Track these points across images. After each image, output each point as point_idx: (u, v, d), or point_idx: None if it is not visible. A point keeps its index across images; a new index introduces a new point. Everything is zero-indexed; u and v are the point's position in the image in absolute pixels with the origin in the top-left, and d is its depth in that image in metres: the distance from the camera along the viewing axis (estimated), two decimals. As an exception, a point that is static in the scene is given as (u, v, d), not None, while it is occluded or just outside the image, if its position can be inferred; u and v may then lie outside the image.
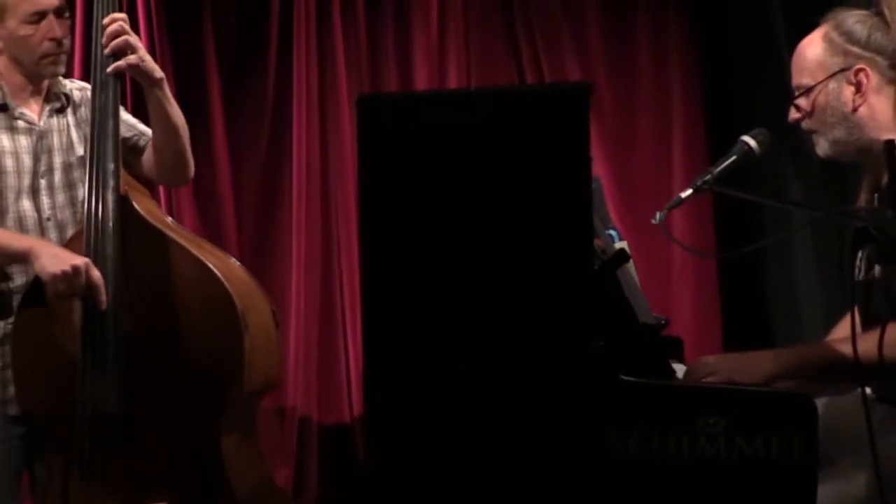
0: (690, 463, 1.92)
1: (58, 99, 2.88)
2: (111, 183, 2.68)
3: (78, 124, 2.88)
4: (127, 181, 2.75)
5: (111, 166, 2.68)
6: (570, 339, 1.93)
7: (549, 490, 1.94)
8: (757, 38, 3.93)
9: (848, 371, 2.12)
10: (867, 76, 2.27)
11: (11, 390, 2.78)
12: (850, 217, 2.31)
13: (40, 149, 2.82)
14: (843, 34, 2.28)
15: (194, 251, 2.70)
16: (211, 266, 2.68)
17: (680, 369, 2.38)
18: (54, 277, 2.60)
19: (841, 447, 2.20)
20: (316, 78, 3.90)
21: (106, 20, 2.72)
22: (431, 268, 1.97)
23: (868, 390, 2.16)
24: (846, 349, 2.13)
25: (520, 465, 1.95)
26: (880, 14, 2.29)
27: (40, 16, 2.78)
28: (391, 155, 1.99)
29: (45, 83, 2.87)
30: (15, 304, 2.77)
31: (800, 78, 2.33)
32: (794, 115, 2.36)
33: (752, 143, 2.37)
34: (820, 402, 2.13)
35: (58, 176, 2.83)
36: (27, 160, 2.81)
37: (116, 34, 2.70)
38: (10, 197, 2.78)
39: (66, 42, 2.83)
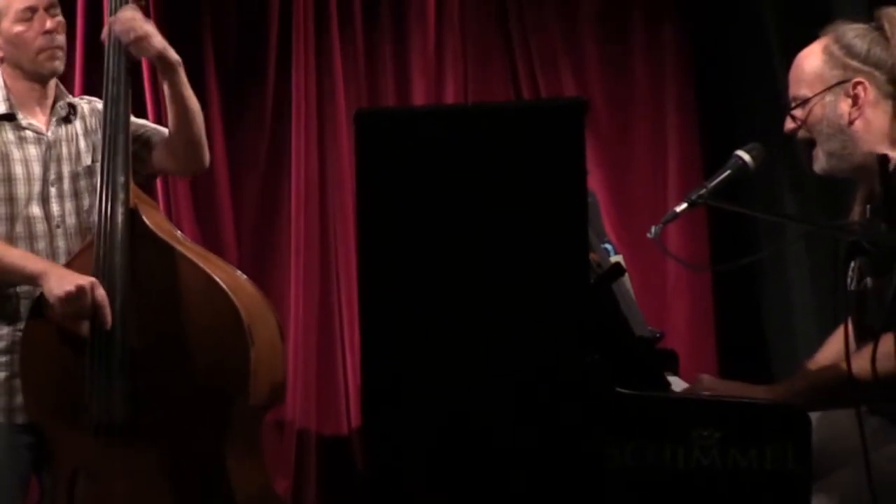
0: (686, 474, 1.94)
1: (63, 108, 2.90)
2: (121, 196, 2.71)
3: (87, 133, 2.91)
4: (137, 194, 2.78)
5: (121, 179, 2.72)
6: (566, 352, 1.95)
7: (547, 501, 1.95)
8: (751, 54, 3.94)
9: (841, 396, 2.13)
10: (865, 90, 2.28)
11: (19, 399, 2.79)
12: (843, 230, 2.32)
13: (49, 157, 2.85)
14: (842, 47, 2.30)
15: (202, 264, 2.72)
16: (218, 279, 2.70)
17: (675, 382, 2.40)
18: (60, 300, 2.64)
19: (834, 459, 2.21)
20: (314, 92, 3.91)
21: (117, 14, 2.76)
22: (429, 280, 1.98)
23: (860, 402, 2.17)
24: (836, 372, 2.15)
25: (517, 477, 1.96)
26: (880, 29, 2.30)
27: (32, 11, 2.82)
28: (389, 169, 2.00)
29: (50, 90, 2.89)
30: (22, 310, 2.79)
31: (797, 89, 2.35)
32: (789, 125, 2.37)
33: (747, 157, 2.38)
34: (814, 415, 2.14)
35: (67, 184, 2.86)
36: (37, 168, 2.83)
37: (129, 29, 2.74)
38: (21, 204, 2.81)
39: (61, 37, 2.86)
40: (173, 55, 2.79)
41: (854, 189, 2.44)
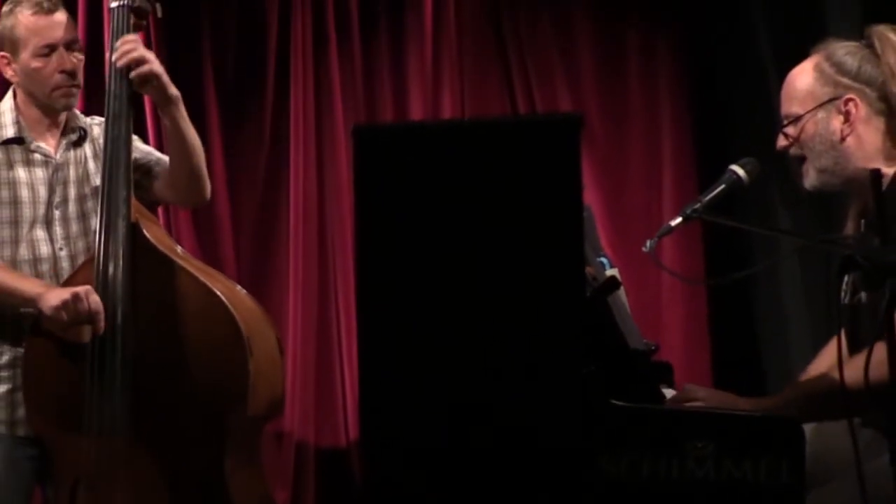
0: (680, 486, 1.95)
1: (74, 132, 2.92)
2: (122, 210, 2.72)
3: (96, 155, 2.91)
4: (137, 209, 2.79)
5: (123, 194, 2.73)
6: (562, 365, 1.95)
7: (543, 513, 1.96)
8: (745, 69, 3.97)
9: (829, 406, 2.14)
10: (856, 106, 2.29)
11: (21, 412, 2.81)
12: (837, 245, 2.35)
13: (56, 180, 2.86)
14: (833, 65, 2.31)
15: (202, 278, 2.74)
16: (218, 293, 2.71)
17: (670, 394, 2.41)
18: (56, 308, 2.66)
19: (828, 470, 2.22)
20: (313, 107, 3.93)
21: (119, 42, 2.77)
22: (426, 294, 1.99)
23: (854, 414, 2.19)
24: (826, 382, 2.16)
25: (513, 489, 1.97)
26: (871, 46, 2.32)
27: (50, 49, 2.82)
28: (386, 183, 2.01)
29: (62, 117, 2.91)
30: (24, 326, 2.80)
31: (789, 107, 2.36)
32: (781, 142, 2.38)
33: (741, 172, 2.39)
34: (807, 427, 2.15)
35: (72, 207, 2.88)
36: (42, 191, 2.85)
37: (130, 50, 2.75)
38: (25, 227, 2.82)
39: (79, 74, 2.87)
40: (173, 90, 2.79)
41: (847, 203, 2.45)
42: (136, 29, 2.86)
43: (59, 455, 2.78)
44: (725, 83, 4.05)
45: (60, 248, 2.85)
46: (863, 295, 2.28)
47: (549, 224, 1.96)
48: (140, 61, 2.75)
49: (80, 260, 2.84)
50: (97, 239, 2.73)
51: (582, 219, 2.01)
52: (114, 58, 2.77)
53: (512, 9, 4.03)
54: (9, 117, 2.87)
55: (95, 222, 2.82)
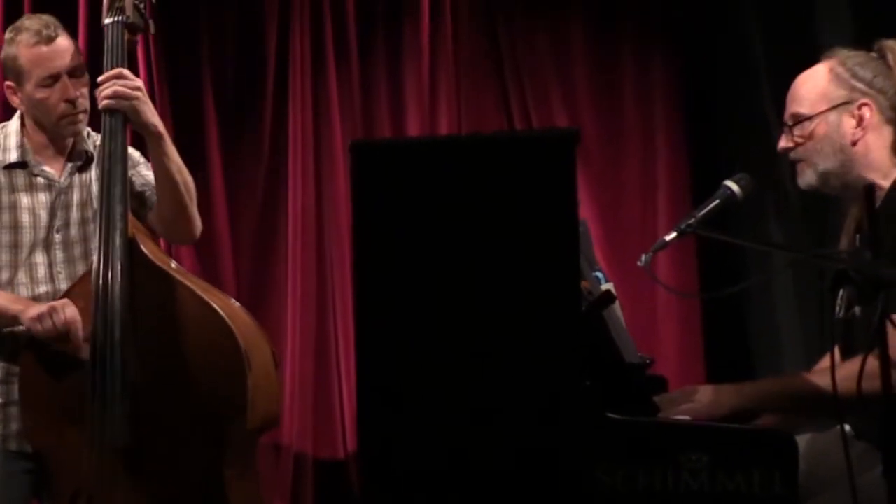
0: (675, 498, 1.95)
1: (80, 157, 2.93)
2: (119, 225, 2.72)
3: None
4: (134, 224, 2.80)
5: (119, 209, 2.73)
6: (558, 379, 1.97)
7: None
8: (739, 86, 3.99)
9: (810, 402, 2.16)
10: (870, 111, 2.29)
11: (13, 427, 2.83)
12: (830, 259, 2.36)
13: (58, 204, 2.88)
14: (848, 70, 2.32)
15: (199, 292, 2.75)
16: (216, 307, 2.73)
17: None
18: (32, 320, 2.69)
19: (821, 482, 2.22)
20: (311, 122, 3.94)
21: (102, 77, 2.77)
22: (423, 309, 2.00)
23: (847, 427, 2.21)
24: (810, 381, 2.18)
25: (510, 501, 1.98)
26: (882, 58, 2.33)
27: (54, 79, 2.82)
28: (384, 198, 2.02)
29: (69, 142, 2.92)
30: (18, 343, 2.81)
31: (796, 107, 2.35)
32: (784, 143, 2.38)
33: (735, 187, 2.40)
34: (801, 439, 2.17)
35: (74, 230, 2.89)
36: (44, 215, 2.87)
37: (108, 87, 2.74)
38: (24, 252, 2.84)
39: (84, 101, 2.86)
40: (158, 127, 2.79)
41: (841, 215, 2.47)
42: (131, 45, 2.87)
43: (58, 468, 2.78)
44: (719, 99, 4.08)
45: (59, 272, 2.87)
46: (857, 309, 2.29)
47: (545, 239, 1.97)
48: (117, 96, 2.74)
49: None
50: (95, 253, 2.74)
51: (578, 234, 2.02)
52: (105, 94, 2.76)
53: (508, 26, 4.05)
54: (13, 140, 2.89)
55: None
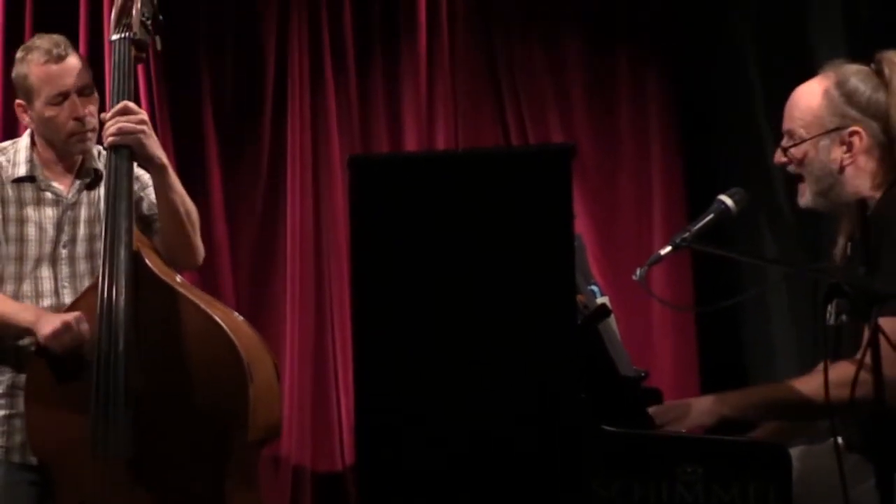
0: (670, 510, 1.98)
1: (89, 174, 2.95)
2: (124, 239, 2.73)
3: None
4: (139, 238, 2.82)
5: (124, 224, 2.74)
6: (554, 392, 1.99)
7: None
8: (734, 101, 4.01)
9: (793, 408, 2.18)
10: (860, 139, 2.31)
11: (17, 438, 2.84)
12: (824, 273, 2.38)
13: (65, 220, 2.90)
14: (843, 94, 2.32)
15: (203, 306, 2.77)
16: (219, 320, 2.74)
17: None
18: (48, 338, 2.70)
19: (814, 494, 2.23)
20: (309, 138, 3.95)
21: (108, 114, 2.78)
22: (420, 322, 2.02)
23: (840, 440, 2.22)
24: (793, 388, 2.19)
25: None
26: (880, 73, 2.33)
27: (63, 97, 2.85)
28: (382, 212, 2.04)
29: (78, 159, 2.94)
30: (23, 355, 2.83)
31: (791, 124, 2.37)
32: (780, 158, 2.40)
33: (729, 201, 2.41)
34: (794, 451, 2.19)
35: (80, 246, 2.91)
36: (50, 230, 2.89)
37: (121, 112, 2.76)
38: (30, 264, 2.87)
39: (93, 119, 2.88)
40: (162, 160, 2.81)
41: (835, 227, 2.48)
42: (137, 62, 2.88)
43: (62, 479, 2.79)
44: (714, 115, 4.09)
45: (64, 286, 2.89)
46: (844, 316, 2.31)
47: (541, 253, 2.00)
48: (122, 133, 2.75)
49: None
50: (101, 267, 2.75)
51: (573, 248, 2.04)
52: (104, 134, 2.78)
53: (505, 41, 4.07)
54: (23, 155, 2.91)
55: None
